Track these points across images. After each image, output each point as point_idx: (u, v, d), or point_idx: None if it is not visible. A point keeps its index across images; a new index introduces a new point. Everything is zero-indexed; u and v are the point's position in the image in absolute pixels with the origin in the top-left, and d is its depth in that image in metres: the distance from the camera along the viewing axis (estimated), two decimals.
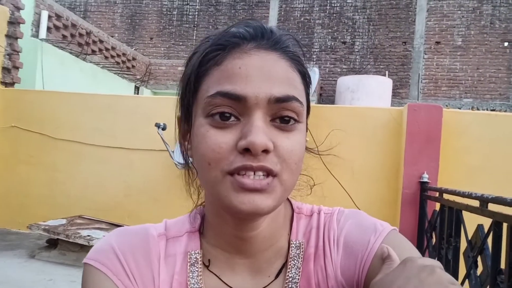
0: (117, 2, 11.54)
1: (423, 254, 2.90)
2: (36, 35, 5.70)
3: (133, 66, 8.09)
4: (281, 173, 0.47)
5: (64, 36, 6.26)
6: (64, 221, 3.63)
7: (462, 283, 1.95)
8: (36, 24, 5.73)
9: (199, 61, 0.51)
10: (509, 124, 3.37)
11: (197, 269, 0.54)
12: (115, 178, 4.20)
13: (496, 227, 1.57)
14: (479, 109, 9.30)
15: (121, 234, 0.56)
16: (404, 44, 10.14)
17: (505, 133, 3.34)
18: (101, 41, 7.08)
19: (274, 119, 0.47)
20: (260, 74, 0.47)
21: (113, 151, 4.22)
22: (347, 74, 9.65)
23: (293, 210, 0.59)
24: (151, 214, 3.99)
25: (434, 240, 2.73)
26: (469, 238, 1.91)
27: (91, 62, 6.81)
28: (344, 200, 3.39)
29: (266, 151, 0.45)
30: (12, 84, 4.79)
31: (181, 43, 11.05)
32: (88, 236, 3.27)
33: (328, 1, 10.59)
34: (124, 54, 7.80)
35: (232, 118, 0.47)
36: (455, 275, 2.18)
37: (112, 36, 8.81)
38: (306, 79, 0.53)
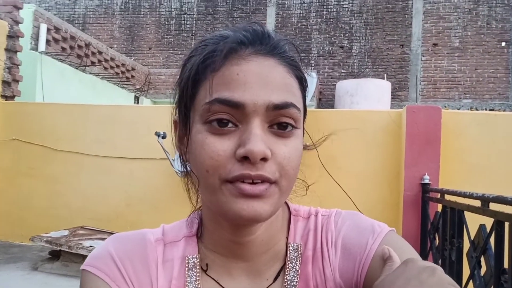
0: (115, 13, 11.63)
1: (426, 256, 2.88)
2: (35, 48, 5.74)
3: (132, 76, 8.13)
4: (279, 180, 0.47)
5: (63, 49, 6.30)
6: (66, 233, 3.63)
7: (467, 284, 1.94)
8: (35, 37, 5.77)
9: (196, 67, 0.50)
10: (508, 123, 3.37)
11: (195, 273, 0.54)
12: (117, 188, 4.20)
13: (498, 226, 1.56)
14: (478, 109, 9.31)
15: (118, 240, 0.56)
16: (401, 46, 10.17)
17: (505, 132, 3.34)
18: (100, 52, 7.13)
19: (272, 126, 0.48)
20: (258, 80, 0.47)
21: (114, 161, 4.23)
22: (346, 78, 9.67)
23: (290, 213, 0.59)
24: (153, 223, 3.96)
25: (437, 241, 2.72)
26: (472, 238, 1.91)
27: (90, 73, 6.85)
28: (345, 204, 3.38)
29: (264, 159, 0.45)
30: (12, 97, 4.81)
31: (179, 52, 11.11)
32: (91, 246, 3.26)
33: (325, 7, 10.66)
34: (123, 65, 7.84)
35: (230, 125, 0.47)
36: (459, 276, 2.17)
37: (111, 47, 8.87)
38: (303, 84, 0.53)
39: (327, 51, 10.52)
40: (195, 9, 11.30)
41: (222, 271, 0.55)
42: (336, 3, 10.61)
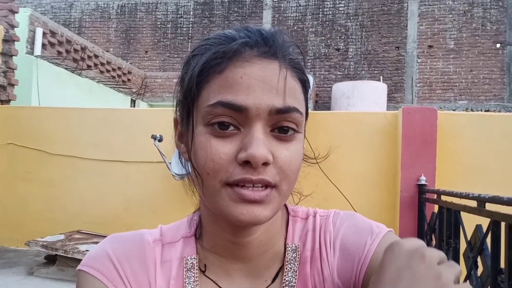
0: (111, 17, 11.63)
1: None
2: (31, 52, 5.72)
3: (128, 80, 8.12)
4: (279, 184, 0.47)
5: (59, 52, 6.29)
6: (62, 237, 3.61)
7: None
8: (31, 41, 5.76)
9: (200, 68, 0.49)
10: (503, 123, 3.39)
11: (193, 274, 0.54)
12: (113, 192, 4.19)
13: (494, 226, 1.57)
14: (474, 110, 9.35)
15: (116, 240, 0.56)
16: (397, 49, 10.23)
17: (500, 133, 3.35)
18: (96, 56, 7.12)
19: (273, 129, 0.48)
20: (261, 84, 0.46)
21: (111, 165, 4.21)
22: (342, 81, 9.71)
23: (288, 214, 0.59)
24: (151, 226, 3.91)
25: (434, 242, 2.73)
26: (468, 239, 1.91)
27: (86, 77, 6.84)
28: (343, 206, 3.39)
29: (265, 163, 0.45)
30: (8, 101, 4.80)
31: (176, 56, 11.12)
32: (87, 250, 3.24)
33: (320, 9, 10.70)
34: (119, 68, 7.83)
35: (232, 128, 0.47)
36: None
37: (107, 51, 8.87)
38: (305, 86, 0.53)
39: (323, 54, 10.56)
40: (191, 13, 11.32)
41: (221, 272, 0.55)
42: (332, 5, 10.66)
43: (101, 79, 7.21)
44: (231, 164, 0.46)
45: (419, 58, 10.13)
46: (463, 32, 9.99)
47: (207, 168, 0.46)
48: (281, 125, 0.47)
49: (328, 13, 10.66)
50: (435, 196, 2.82)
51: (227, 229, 0.52)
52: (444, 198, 2.56)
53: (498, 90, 9.82)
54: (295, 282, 0.53)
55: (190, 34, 11.24)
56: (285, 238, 0.57)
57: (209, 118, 0.47)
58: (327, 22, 10.64)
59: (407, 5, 10.26)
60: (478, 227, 1.79)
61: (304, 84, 0.52)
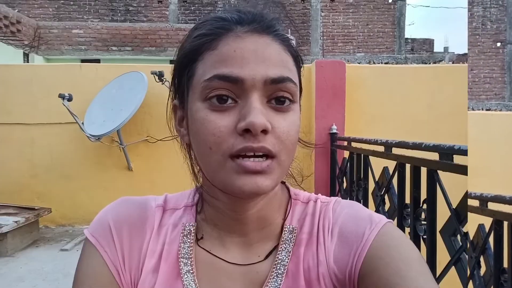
0: None
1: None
2: None
3: (18, 30, 7.10)
4: (279, 154, 0.49)
5: None
6: None
7: None
8: None
9: (192, 48, 0.51)
10: (399, 75, 3.79)
11: (189, 240, 0.56)
12: (17, 158, 3.82)
13: (400, 168, 1.80)
14: (374, 62, 10.14)
15: (123, 204, 0.59)
16: (302, 2, 10.45)
17: (397, 84, 3.76)
18: None
19: (270, 100, 0.49)
20: (255, 56, 0.48)
21: (10, 128, 3.80)
22: None
23: (290, 196, 0.61)
24: (64, 192, 3.75)
25: (345, 184, 3.04)
26: (377, 179, 2.17)
27: None
28: None
29: (265, 131, 0.47)
30: None
31: (72, 3, 9.93)
32: None
33: None
34: (6, 17, 6.79)
35: (230, 101, 0.48)
36: None
37: None
38: (298, 61, 0.55)
39: (233, 6, 10.36)
40: None
41: (217, 243, 0.57)
42: None
43: None
44: (231, 135, 0.47)
45: (322, 12, 10.52)
46: None
47: (209, 143, 0.48)
48: (277, 95, 0.49)
49: None
50: (345, 143, 3.10)
51: (227, 203, 0.54)
52: (354, 144, 2.84)
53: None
54: (287, 262, 0.55)
55: None
56: (283, 219, 0.58)
57: (206, 93, 0.48)
58: None
59: None
60: (385, 169, 2.04)
61: (296, 59, 0.55)
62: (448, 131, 3.62)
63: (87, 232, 0.57)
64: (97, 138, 3.34)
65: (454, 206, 1.36)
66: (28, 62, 7.46)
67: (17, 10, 8.35)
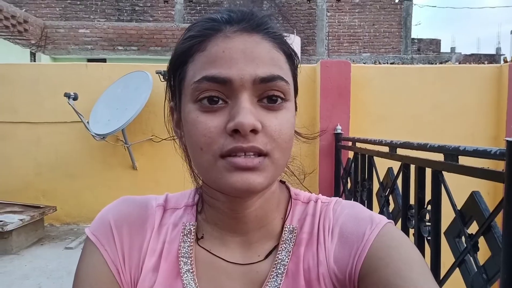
0: None
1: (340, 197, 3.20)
2: None
3: (25, 30, 7.16)
4: (272, 153, 0.48)
5: None
6: None
7: None
8: None
9: (183, 49, 0.52)
10: (405, 75, 3.76)
11: (189, 239, 0.57)
12: (22, 156, 3.84)
13: (405, 168, 1.79)
14: (380, 63, 10.11)
15: (124, 203, 0.60)
16: (308, 2, 10.44)
17: (402, 84, 3.73)
18: None
19: (261, 100, 0.49)
20: (243, 56, 0.48)
21: (16, 126, 3.82)
22: None
23: (290, 196, 0.61)
24: (69, 191, 3.77)
25: (349, 184, 3.03)
26: (381, 180, 2.17)
27: None
28: None
29: (254, 131, 0.46)
30: None
31: (78, 2, 10.01)
32: (1, 221, 3.00)
33: None
34: (13, 17, 6.85)
35: (220, 102, 0.48)
36: None
37: None
38: (292, 59, 0.54)
39: (237, 6, 10.36)
40: None
41: (217, 242, 0.57)
42: None
43: None
44: (221, 136, 0.47)
45: (328, 12, 10.50)
46: None
47: (200, 144, 0.48)
48: (268, 94, 0.49)
49: None
50: (350, 144, 3.09)
51: (225, 202, 0.54)
52: (358, 145, 2.83)
53: (396, 43, 10.65)
54: (287, 262, 0.54)
55: None
56: (283, 219, 0.58)
57: (197, 95, 0.48)
58: None
59: None
60: (390, 170, 2.04)
61: (289, 56, 0.53)
62: (454, 132, 3.60)
63: (88, 231, 0.57)
64: (102, 137, 3.35)
65: (459, 207, 1.35)
66: (34, 61, 7.52)
67: (24, 9, 8.42)
